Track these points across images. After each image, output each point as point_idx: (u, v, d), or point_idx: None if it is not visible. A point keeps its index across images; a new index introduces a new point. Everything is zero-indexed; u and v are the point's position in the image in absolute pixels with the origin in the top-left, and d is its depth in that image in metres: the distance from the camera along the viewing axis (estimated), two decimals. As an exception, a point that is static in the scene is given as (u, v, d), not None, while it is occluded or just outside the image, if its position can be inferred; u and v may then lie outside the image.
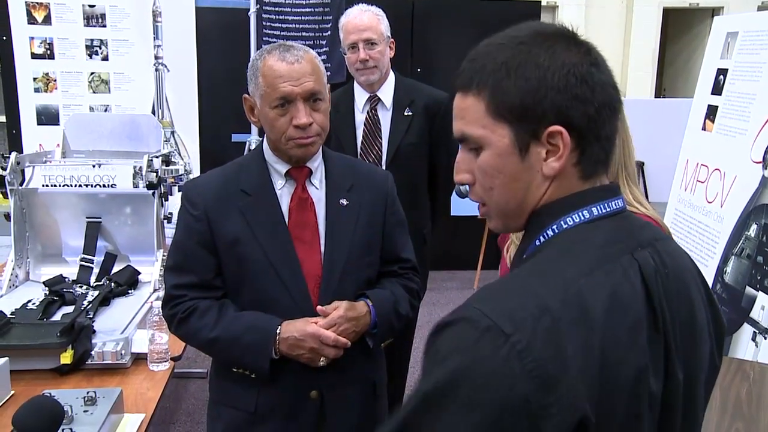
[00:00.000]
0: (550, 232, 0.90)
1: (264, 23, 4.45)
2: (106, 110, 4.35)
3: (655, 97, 8.25)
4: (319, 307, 1.65)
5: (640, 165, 3.80)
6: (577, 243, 0.87)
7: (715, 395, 1.99)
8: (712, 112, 3.11)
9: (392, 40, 2.77)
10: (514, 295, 0.80)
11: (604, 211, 0.90)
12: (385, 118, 2.76)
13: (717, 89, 3.10)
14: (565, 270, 0.82)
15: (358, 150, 2.74)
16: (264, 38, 4.40)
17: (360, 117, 2.77)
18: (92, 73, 4.35)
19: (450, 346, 0.77)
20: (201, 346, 1.72)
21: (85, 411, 1.64)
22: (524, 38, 0.90)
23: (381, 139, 2.75)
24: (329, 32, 4.52)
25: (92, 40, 4.33)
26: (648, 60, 8.11)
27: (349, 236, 1.71)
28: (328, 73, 4.50)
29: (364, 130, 2.76)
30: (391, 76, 2.80)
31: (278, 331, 1.62)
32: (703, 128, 3.16)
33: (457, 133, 0.93)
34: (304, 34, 4.54)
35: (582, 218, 0.89)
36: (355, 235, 1.71)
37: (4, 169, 2.58)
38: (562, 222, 0.89)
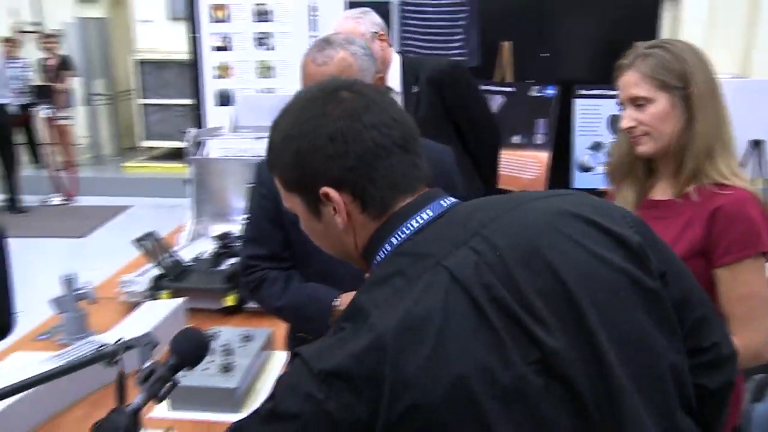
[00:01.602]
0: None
1: (404, 14, 4.41)
2: (270, 92, 4.55)
3: (789, 77, 7.34)
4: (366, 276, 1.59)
5: (759, 143, 3.43)
6: (375, 283, 0.82)
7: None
8: None
9: (381, 33, 2.46)
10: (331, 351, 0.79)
11: (406, 233, 0.85)
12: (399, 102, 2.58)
13: None
14: (359, 314, 0.79)
15: None
16: (404, 28, 4.37)
17: None
18: (260, 61, 4.57)
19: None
20: (270, 313, 1.73)
21: (241, 346, 1.75)
22: (290, 110, 0.89)
23: None
24: (464, 21, 4.38)
25: (260, 33, 4.54)
26: (776, 40, 7.21)
27: None
28: (465, 58, 4.39)
29: None
30: (396, 60, 2.54)
31: (336, 303, 1.59)
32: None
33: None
34: (441, 23, 4.44)
35: (384, 252, 0.86)
36: None
37: (186, 141, 2.78)
38: (373, 264, 0.88)
